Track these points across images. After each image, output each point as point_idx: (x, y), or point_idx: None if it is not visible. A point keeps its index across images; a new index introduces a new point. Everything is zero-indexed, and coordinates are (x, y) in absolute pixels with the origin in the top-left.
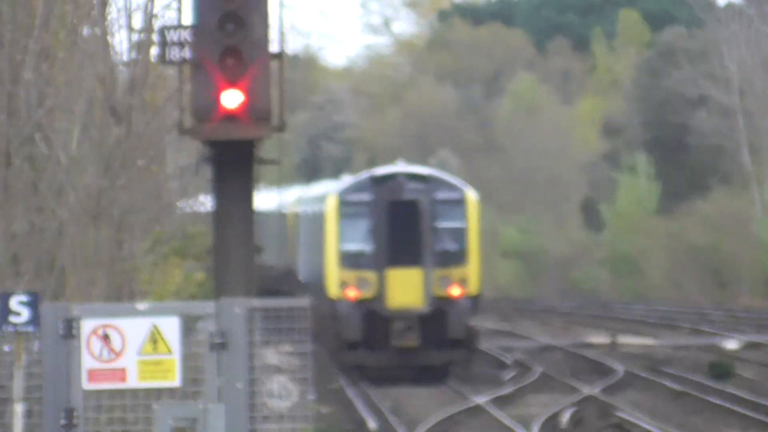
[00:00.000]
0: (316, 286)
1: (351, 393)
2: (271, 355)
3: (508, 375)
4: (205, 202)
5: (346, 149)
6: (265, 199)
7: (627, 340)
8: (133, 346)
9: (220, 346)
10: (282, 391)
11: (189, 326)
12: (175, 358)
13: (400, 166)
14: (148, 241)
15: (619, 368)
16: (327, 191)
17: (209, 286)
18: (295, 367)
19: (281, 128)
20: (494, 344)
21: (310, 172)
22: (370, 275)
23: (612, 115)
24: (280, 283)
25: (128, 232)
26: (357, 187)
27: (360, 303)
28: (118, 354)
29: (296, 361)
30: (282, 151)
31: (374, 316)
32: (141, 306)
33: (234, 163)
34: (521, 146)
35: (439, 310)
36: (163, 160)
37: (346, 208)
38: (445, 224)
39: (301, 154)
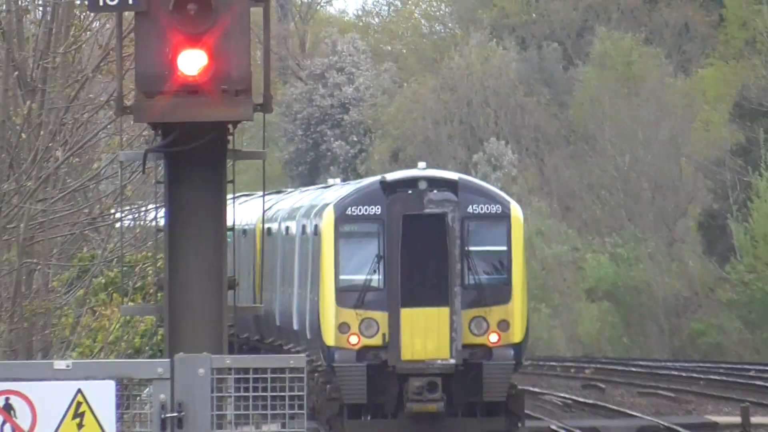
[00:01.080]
0: (303, 332)
1: None
2: None
3: None
4: (155, 214)
5: (358, 139)
6: (244, 211)
7: (765, 419)
8: (47, 422)
9: (176, 423)
10: None
11: (130, 394)
12: None
13: (421, 169)
14: (71, 269)
15: None
16: (319, 201)
17: (160, 335)
18: None
19: (266, 107)
20: (574, 423)
21: (308, 171)
22: (379, 316)
23: (748, 91)
24: (248, 328)
25: (41, 256)
26: (362, 197)
27: (365, 353)
28: None
29: None
30: (268, 140)
31: (384, 371)
32: (60, 364)
33: (196, 156)
34: (613, 135)
35: (472, 364)
36: (94, 152)
37: (348, 224)
38: (480, 247)
39: (294, 144)
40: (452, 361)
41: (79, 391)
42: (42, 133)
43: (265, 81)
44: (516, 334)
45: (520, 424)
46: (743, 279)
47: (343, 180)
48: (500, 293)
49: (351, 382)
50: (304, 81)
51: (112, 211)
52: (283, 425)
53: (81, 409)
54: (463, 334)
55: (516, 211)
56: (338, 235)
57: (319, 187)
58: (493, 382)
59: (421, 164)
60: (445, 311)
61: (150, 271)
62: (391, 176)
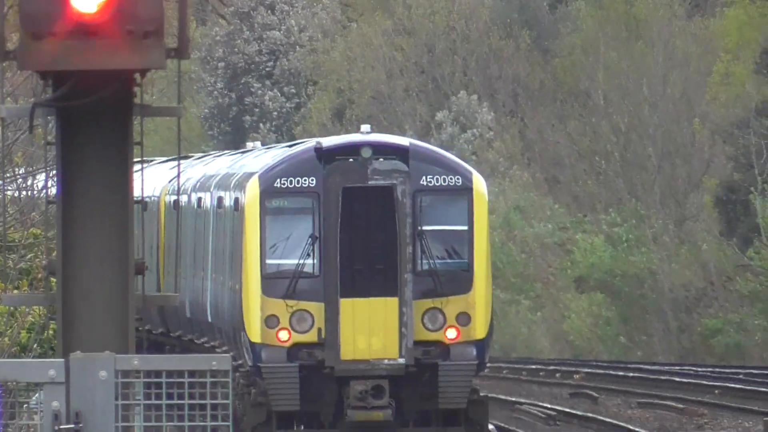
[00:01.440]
0: (220, 325)
1: None
2: None
3: None
4: (46, 182)
5: (297, 90)
6: (145, 180)
7: None
8: None
9: None
10: None
11: (16, 401)
12: None
13: (364, 133)
14: None
15: None
16: (239, 170)
17: (51, 330)
18: None
19: (181, 52)
20: None
21: (232, 129)
22: (314, 308)
23: None
24: (150, 320)
25: None
26: (294, 166)
27: (297, 352)
28: None
29: None
30: (184, 94)
31: (320, 373)
32: None
33: (95, 113)
34: (610, 90)
35: (425, 364)
36: None
37: (276, 199)
38: (436, 226)
39: (214, 99)
40: (402, 360)
41: None
42: None
43: (180, 20)
44: (478, 330)
45: None
46: None
47: (265, 144)
48: (459, 281)
49: (281, 385)
50: (228, 20)
51: None
52: None
53: None
54: (414, 329)
55: (479, 183)
56: (264, 211)
57: (237, 152)
58: (450, 385)
59: (365, 127)
60: (393, 302)
61: (38, 252)
62: (327, 142)
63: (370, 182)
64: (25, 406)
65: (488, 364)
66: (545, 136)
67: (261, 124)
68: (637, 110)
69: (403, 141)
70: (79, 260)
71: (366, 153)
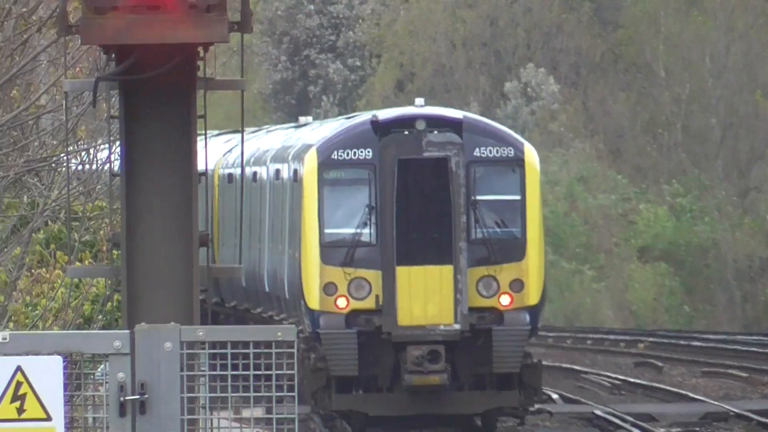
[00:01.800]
0: (279, 294)
1: None
2: (227, 425)
3: None
4: (109, 156)
5: (362, 63)
6: (216, 151)
7: None
8: None
9: (137, 407)
10: None
11: (81, 372)
12: (56, 428)
13: (419, 107)
14: (6, 221)
15: None
16: (296, 142)
17: (116, 302)
18: None
19: (244, 26)
20: (625, 408)
21: (297, 102)
22: (371, 276)
23: None
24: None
25: None
26: (351, 138)
27: (355, 318)
28: None
29: None
30: (246, 66)
31: (377, 338)
32: None
33: (159, 86)
34: (673, 62)
35: (480, 330)
36: (33, 81)
37: (334, 170)
38: (489, 196)
39: (279, 73)
40: (457, 326)
41: (19, 368)
42: None
43: None
44: (531, 296)
45: (536, 398)
46: None
47: (318, 119)
48: (513, 249)
49: (339, 351)
50: None
51: (57, 151)
52: (269, 410)
53: (21, 390)
54: (469, 295)
55: (531, 154)
56: (322, 182)
57: (291, 126)
58: (504, 350)
59: (419, 101)
60: (448, 269)
61: (103, 225)
62: (383, 114)
63: (424, 154)
64: (90, 377)
65: (553, 334)
66: (607, 108)
67: (324, 97)
68: (699, 81)
69: (457, 114)
70: (142, 233)
71: (420, 125)
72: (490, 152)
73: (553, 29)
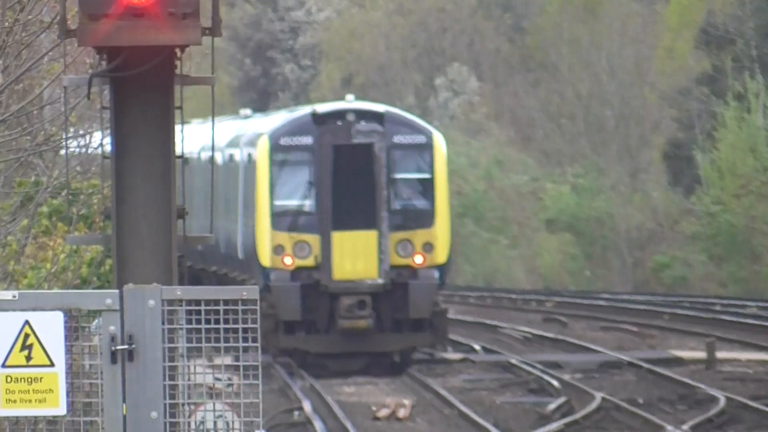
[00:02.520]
0: (234, 255)
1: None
2: (201, 370)
3: (554, 404)
4: (101, 140)
5: (313, 63)
6: (195, 137)
7: (731, 354)
8: None
9: (126, 355)
10: (218, 424)
11: (79, 326)
12: (58, 373)
13: (349, 102)
14: (14, 196)
15: (719, 396)
16: (246, 131)
17: (108, 266)
18: (238, 388)
19: (214, 30)
20: (535, 357)
21: (258, 97)
22: (312, 239)
23: (714, 15)
24: (193, 257)
25: None
26: (295, 128)
27: (299, 274)
28: None
29: (239, 379)
30: (216, 66)
31: (316, 290)
32: (6, 294)
33: (143, 81)
34: (575, 62)
35: (398, 283)
36: (36, 76)
37: (281, 153)
38: (405, 175)
39: (243, 72)
40: (380, 281)
41: (27, 322)
42: None
43: (213, 3)
44: (440, 256)
45: (444, 340)
46: (709, 211)
47: (270, 110)
48: (424, 218)
49: (286, 300)
50: (252, 4)
51: (57, 137)
52: (236, 358)
53: (29, 341)
54: (390, 255)
55: (438, 141)
56: (273, 163)
57: (235, 117)
58: (418, 300)
59: (350, 97)
60: (373, 234)
61: (95, 200)
62: (321, 108)
63: (354, 140)
64: (86, 329)
65: (474, 294)
66: (520, 101)
67: (281, 92)
68: (597, 79)
69: (380, 107)
70: (129, 206)
71: (351, 117)
72: (406, 139)
73: (476, 34)
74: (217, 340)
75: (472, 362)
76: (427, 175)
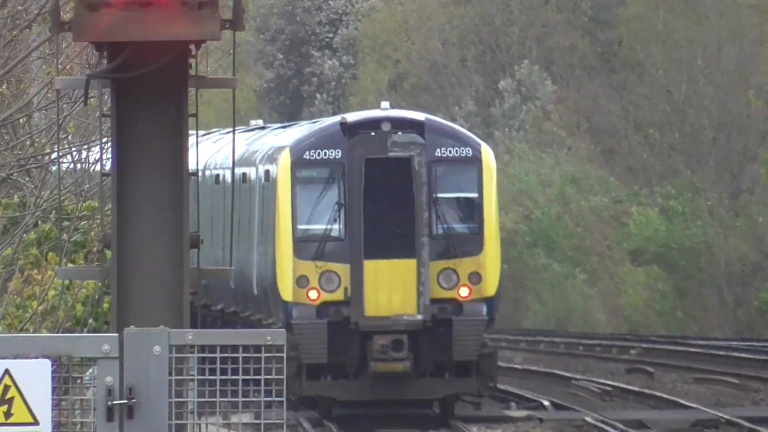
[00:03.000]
0: (247, 291)
1: None
2: (215, 430)
3: None
4: (101, 155)
5: (353, 64)
6: (211, 151)
7: None
8: None
9: (125, 411)
10: None
11: (69, 376)
12: None
13: (384, 109)
14: None
15: None
16: (263, 146)
17: (106, 304)
18: None
19: (236, 23)
20: (616, 415)
21: (291, 101)
22: (341, 269)
23: None
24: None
25: None
26: (321, 140)
27: (326, 309)
28: None
29: None
30: (239, 64)
31: (346, 328)
32: None
33: (151, 84)
34: (666, 61)
35: (440, 320)
36: (25, 78)
37: (305, 169)
38: (449, 194)
39: (275, 71)
40: (419, 317)
41: (7, 371)
42: None
43: None
44: (489, 288)
45: (491, 385)
46: None
47: (310, 118)
48: (471, 244)
49: (311, 340)
50: None
51: (48, 150)
52: (257, 415)
53: (9, 394)
54: (431, 287)
55: (487, 154)
56: (295, 180)
57: (247, 129)
58: (463, 339)
59: (384, 104)
60: (411, 263)
61: (94, 225)
62: (351, 117)
63: (390, 153)
64: (78, 381)
65: (545, 339)
66: (601, 108)
67: (318, 95)
68: (691, 81)
69: (419, 116)
70: (133, 233)
71: (386, 127)
72: (450, 152)
73: (548, 28)
74: (235, 393)
75: (540, 420)
76: (474, 194)
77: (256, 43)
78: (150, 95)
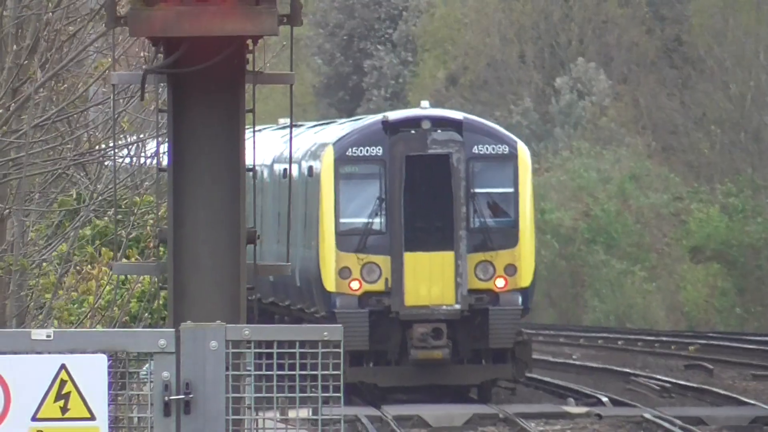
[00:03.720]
0: (292, 281)
1: None
2: (272, 425)
3: None
4: (157, 150)
5: (411, 61)
6: (269, 146)
7: None
8: (24, 404)
9: (182, 406)
10: None
11: (126, 371)
12: (99, 428)
13: (424, 108)
14: (51, 215)
15: None
16: (313, 140)
17: (162, 300)
18: None
19: (293, 18)
20: (674, 412)
21: (350, 97)
22: (382, 261)
23: None
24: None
25: (15, 200)
26: (363, 137)
27: (367, 299)
28: None
29: None
30: (296, 59)
31: (387, 317)
32: (40, 333)
33: (207, 79)
34: (727, 57)
35: (477, 310)
36: (80, 73)
37: (348, 165)
38: (486, 189)
39: (333, 68)
40: (457, 306)
41: (63, 366)
42: (15, 47)
43: None
44: (524, 279)
45: (527, 372)
46: None
47: (368, 113)
48: (507, 237)
49: (353, 328)
50: None
51: (103, 145)
52: (315, 411)
53: (65, 389)
54: (468, 278)
55: (523, 151)
56: (338, 176)
57: (278, 127)
58: (499, 328)
59: (424, 103)
60: (449, 255)
61: (149, 220)
62: (392, 115)
63: (429, 151)
64: (135, 376)
65: (603, 335)
66: (660, 104)
67: (376, 90)
68: (753, 77)
69: (457, 115)
70: (189, 229)
71: (425, 125)
72: (487, 149)
73: (608, 24)
74: (292, 389)
75: (599, 417)
76: (510, 189)
77: (316, 38)
78: (206, 91)
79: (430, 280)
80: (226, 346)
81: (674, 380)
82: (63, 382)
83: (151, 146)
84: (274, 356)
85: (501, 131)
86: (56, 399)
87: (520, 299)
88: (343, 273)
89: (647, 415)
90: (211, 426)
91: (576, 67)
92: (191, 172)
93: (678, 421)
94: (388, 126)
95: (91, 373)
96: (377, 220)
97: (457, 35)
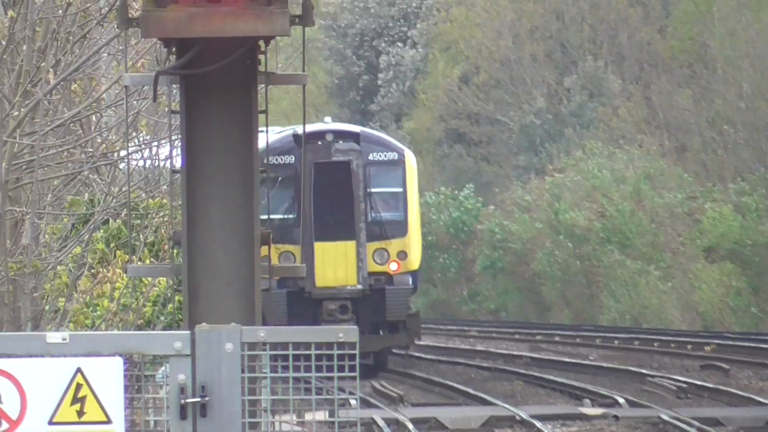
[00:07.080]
0: None
1: None
2: (289, 428)
3: None
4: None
5: (425, 59)
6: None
7: None
8: (40, 407)
9: (198, 409)
10: None
11: (142, 374)
12: (115, 431)
13: (327, 123)
14: (65, 218)
15: None
16: None
17: (177, 302)
18: None
19: (305, 19)
20: (691, 412)
21: (362, 97)
22: (296, 249)
23: None
24: None
25: (29, 202)
26: (279, 148)
27: (285, 281)
28: (13, 422)
29: None
30: (308, 60)
31: (302, 296)
32: (55, 336)
33: (220, 80)
34: (737, 57)
35: (376, 289)
36: (93, 76)
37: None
38: (380, 189)
39: (345, 68)
40: (360, 286)
41: (79, 370)
42: (27, 49)
43: None
44: (413, 263)
45: (416, 340)
46: None
47: (382, 110)
48: (398, 228)
49: (274, 306)
50: None
51: (117, 147)
52: (332, 413)
53: (81, 393)
54: (368, 263)
55: (409, 157)
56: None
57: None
58: (394, 304)
59: (327, 119)
60: (352, 244)
61: (164, 222)
62: (300, 130)
63: (333, 158)
64: (151, 378)
65: (619, 336)
66: (672, 103)
67: (394, 84)
68: (763, 75)
69: (356, 128)
70: (203, 230)
71: (329, 137)
72: (380, 156)
73: (619, 23)
74: (308, 391)
75: (615, 418)
76: (399, 189)
77: (327, 40)
78: (219, 91)
79: (336, 264)
80: (241, 348)
81: (690, 380)
82: (79, 386)
83: (165, 148)
84: (290, 358)
85: (391, 141)
86: (72, 402)
87: (410, 280)
88: (264, 260)
89: (664, 416)
90: (228, 429)
91: (585, 65)
92: (204, 173)
93: (695, 422)
94: (298, 138)
95: (107, 376)
96: (291, 216)
97: (469, 34)
